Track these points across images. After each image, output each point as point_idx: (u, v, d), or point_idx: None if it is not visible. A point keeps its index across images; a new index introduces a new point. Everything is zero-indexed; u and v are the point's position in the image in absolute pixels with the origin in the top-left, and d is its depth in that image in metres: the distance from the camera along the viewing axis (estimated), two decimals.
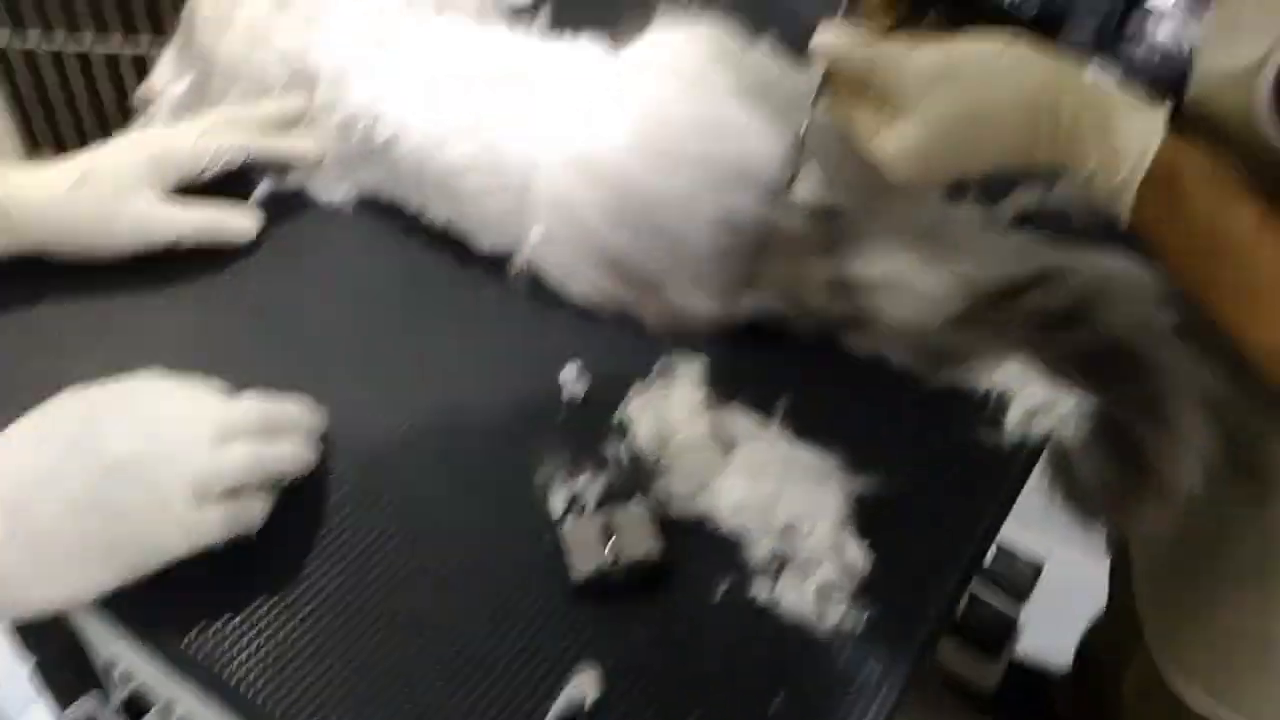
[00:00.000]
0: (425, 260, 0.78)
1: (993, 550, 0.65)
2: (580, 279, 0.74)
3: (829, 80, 0.68)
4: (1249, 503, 0.74)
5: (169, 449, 0.58)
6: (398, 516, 0.62)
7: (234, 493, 0.59)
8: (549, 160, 0.73)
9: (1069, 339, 0.67)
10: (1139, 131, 0.60)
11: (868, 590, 0.58)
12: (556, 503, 0.61)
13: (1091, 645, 1.27)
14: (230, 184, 0.81)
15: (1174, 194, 0.60)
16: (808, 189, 0.71)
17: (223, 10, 0.85)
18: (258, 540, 0.60)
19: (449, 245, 0.79)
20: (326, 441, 0.65)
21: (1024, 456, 0.65)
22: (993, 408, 0.66)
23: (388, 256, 0.79)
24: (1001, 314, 0.68)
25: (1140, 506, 0.64)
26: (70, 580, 0.55)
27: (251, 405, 0.62)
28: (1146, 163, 0.59)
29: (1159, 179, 0.60)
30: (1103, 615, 1.19)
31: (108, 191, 0.75)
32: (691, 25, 0.78)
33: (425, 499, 0.63)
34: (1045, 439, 0.65)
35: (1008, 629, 1.42)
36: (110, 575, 0.56)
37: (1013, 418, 0.65)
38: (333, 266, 0.79)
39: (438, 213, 0.79)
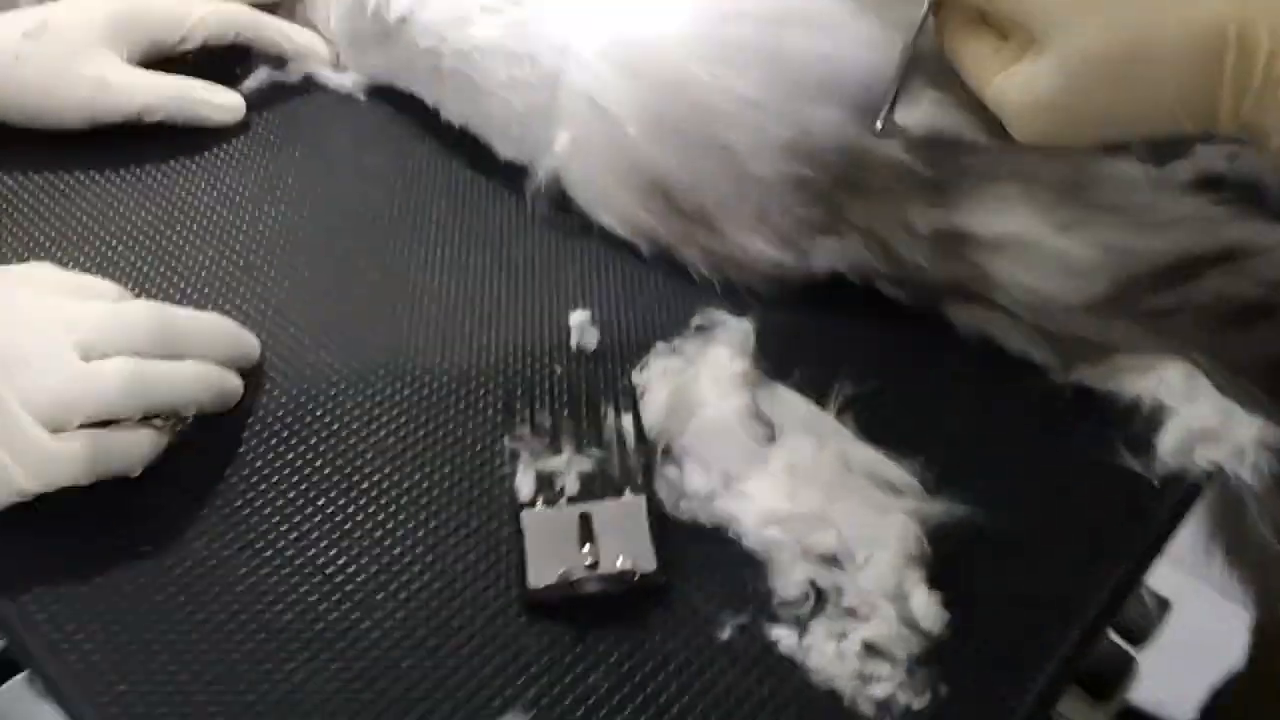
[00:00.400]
0: (432, 165, 0.64)
1: None
2: (613, 203, 0.58)
3: (939, 3, 0.51)
4: None
5: (21, 359, 0.44)
6: (324, 474, 0.47)
7: (108, 423, 0.45)
8: (584, 48, 0.57)
9: (1256, 341, 0.49)
10: None
11: (936, 660, 0.41)
12: (524, 482, 0.45)
13: (1225, 709, 1.07)
14: (220, 68, 0.67)
15: None
16: (916, 111, 0.54)
17: None
18: (136, 489, 0.46)
19: (465, 149, 0.64)
20: (257, 372, 0.51)
21: (1179, 495, 0.46)
22: (1142, 425, 0.48)
23: (390, 158, 0.64)
24: (1166, 299, 0.50)
25: None
26: None
27: (143, 310, 0.47)
28: None
29: None
30: (1242, 676, 0.99)
31: (64, 47, 0.62)
32: None
33: (364, 454, 0.48)
34: (1211, 474, 0.46)
35: (1124, 670, 1.22)
36: None
37: (1169, 441, 0.47)
38: (324, 164, 0.64)
39: (454, 109, 0.64)
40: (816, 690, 0.40)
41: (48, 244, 0.58)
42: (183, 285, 0.56)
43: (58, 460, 0.43)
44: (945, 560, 0.43)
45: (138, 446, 0.45)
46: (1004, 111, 0.49)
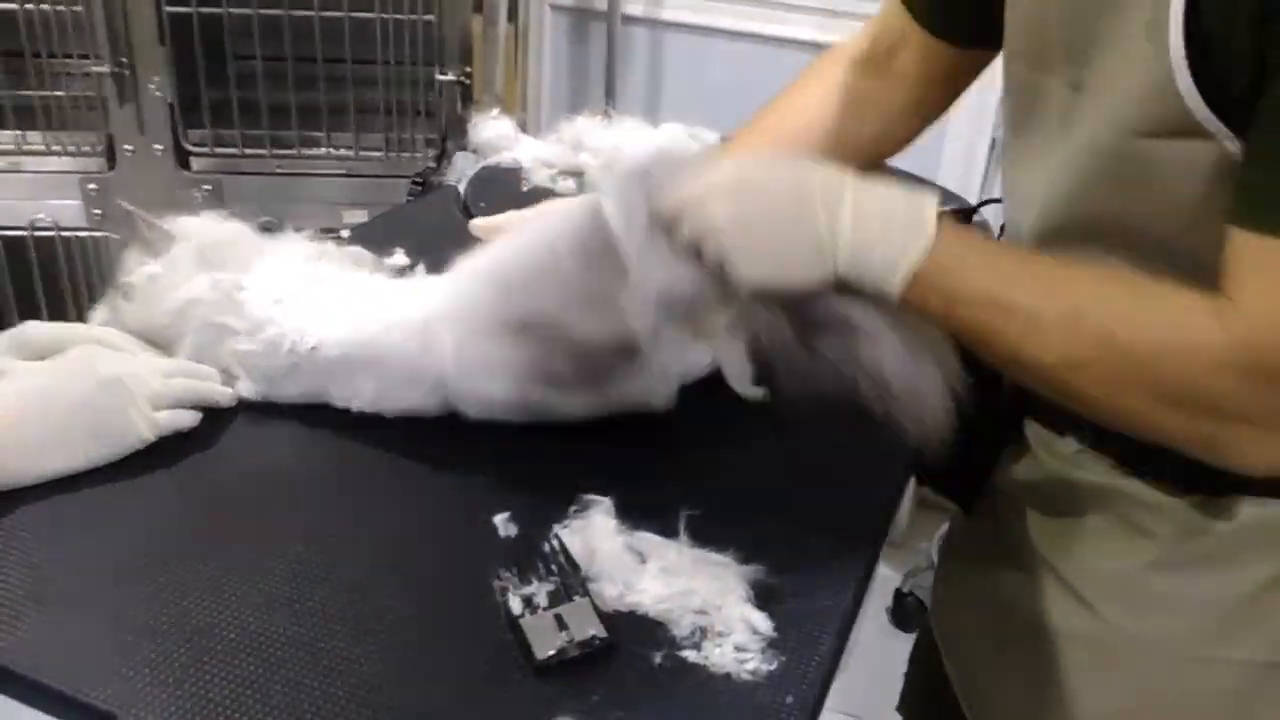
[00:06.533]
0: (351, 444, 0.92)
1: None
2: (498, 386, 0.89)
3: None
4: None
5: (138, 374, 0.86)
6: (376, 635, 0.73)
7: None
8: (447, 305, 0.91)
9: None
10: (900, 239, 0.72)
11: (773, 645, 0.73)
12: (515, 604, 0.74)
13: None
14: None
15: (943, 292, 0.73)
16: None
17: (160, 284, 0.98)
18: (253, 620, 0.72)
19: (370, 430, 0.92)
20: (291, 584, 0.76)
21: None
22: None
23: (317, 445, 0.92)
24: None
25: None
26: (73, 454, 0.83)
27: (176, 360, 0.93)
28: (901, 276, 0.72)
29: (924, 282, 0.72)
30: None
31: None
32: None
33: (403, 619, 0.74)
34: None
35: None
36: (101, 452, 0.84)
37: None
38: (271, 455, 0.90)
39: (367, 399, 0.93)
40: (714, 674, 0.71)
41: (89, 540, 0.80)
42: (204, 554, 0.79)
43: (158, 423, 0.86)
44: (763, 596, 0.76)
45: (188, 418, 0.89)
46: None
